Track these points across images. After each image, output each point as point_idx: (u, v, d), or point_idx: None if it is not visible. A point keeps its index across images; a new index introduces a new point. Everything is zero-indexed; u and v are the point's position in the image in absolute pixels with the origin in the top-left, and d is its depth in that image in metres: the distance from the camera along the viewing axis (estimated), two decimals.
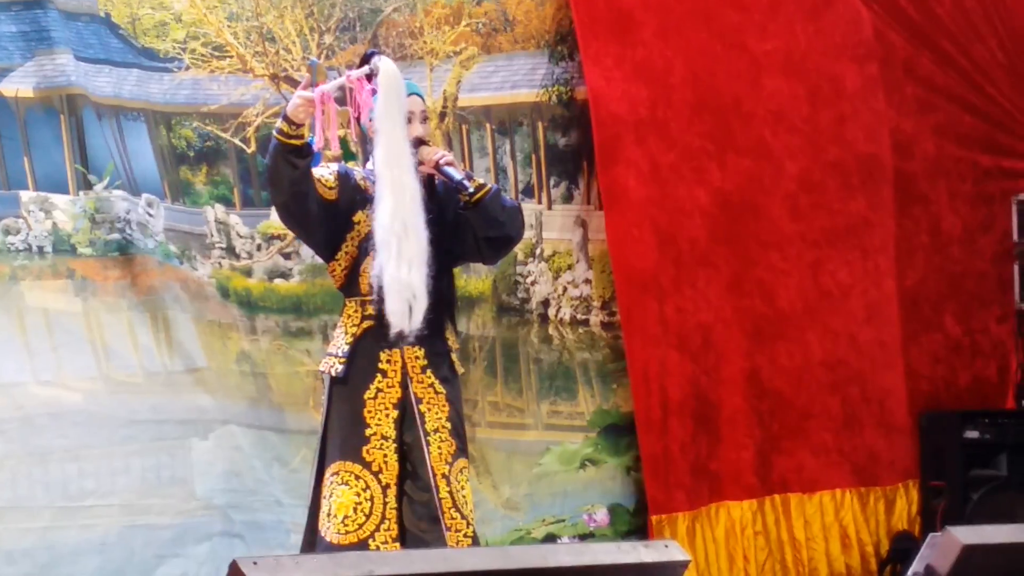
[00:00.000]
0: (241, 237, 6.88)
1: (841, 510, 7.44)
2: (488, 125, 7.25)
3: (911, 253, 7.70)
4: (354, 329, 4.96)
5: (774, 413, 7.35)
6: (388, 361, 4.94)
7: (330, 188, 4.91)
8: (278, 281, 6.92)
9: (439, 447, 4.95)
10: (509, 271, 7.21)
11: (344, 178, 4.96)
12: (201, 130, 6.83)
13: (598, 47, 7.12)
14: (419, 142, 4.95)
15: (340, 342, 4.99)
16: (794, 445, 7.38)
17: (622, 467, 7.32)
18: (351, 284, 4.98)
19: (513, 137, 7.35)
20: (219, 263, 6.82)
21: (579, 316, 7.32)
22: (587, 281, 7.35)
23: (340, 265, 5.00)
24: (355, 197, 4.94)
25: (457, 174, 4.88)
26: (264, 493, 6.77)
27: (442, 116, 7.11)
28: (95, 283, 6.58)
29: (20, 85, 6.52)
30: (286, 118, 4.74)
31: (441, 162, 4.88)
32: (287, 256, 6.90)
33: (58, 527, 6.39)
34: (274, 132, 4.78)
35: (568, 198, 7.36)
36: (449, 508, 4.91)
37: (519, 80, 7.30)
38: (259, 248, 6.88)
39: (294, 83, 6.84)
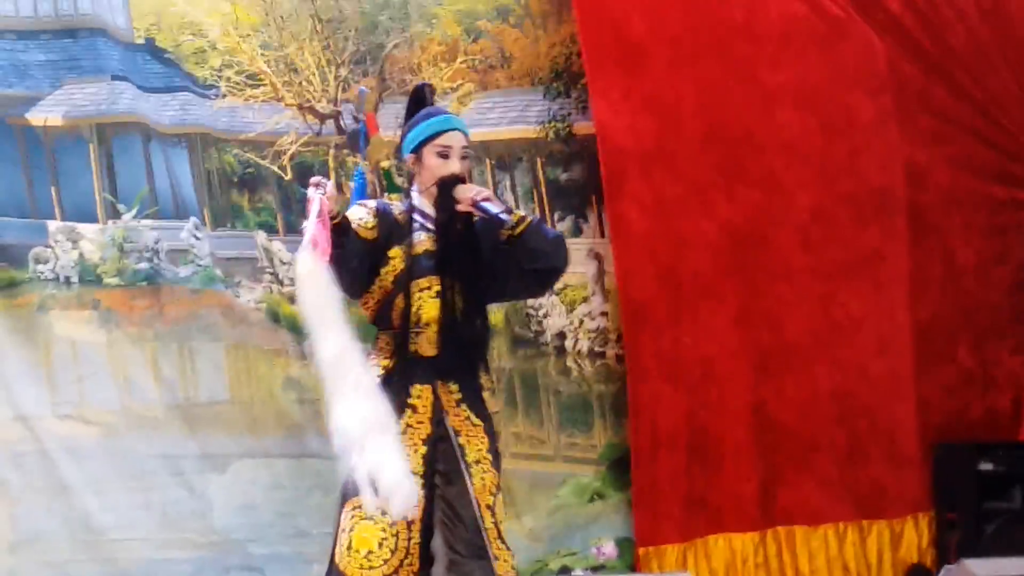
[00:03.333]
0: (284, 264, 7.12)
1: (844, 543, 7.60)
2: (488, 161, 7.51)
3: (925, 285, 7.83)
4: (385, 362, 4.98)
5: (779, 445, 7.53)
6: (419, 396, 4.98)
7: (370, 228, 4.94)
8: None
9: (482, 478, 4.99)
10: (519, 304, 7.45)
11: (383, 215, 4.99)
12: (241, 157, 7.10)
13: (605, 80, 7.35)
14: (456, 179, 4.98)
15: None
16: (799, 478, 7.56)
17: (626, 500, 7.51)
18: (383, 317, 5.00)
19: (513, 172, 7.60)
20: (270, 288, 7.06)
21: (596, 348, 7.56)
22: (604, 314, 7.61)
23: (373, 298, 5.01)
24: (392, 232, 4.96)
25: (495, 208, 4.89)
26: (283, 525, 6.99)
27: None
28: (120, 314, 6.81)
29: (49, 114, 6.78)
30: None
31: (478, 199, 4.90)
32: None
33: (78, 561, 6.61)
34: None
35: (576, 232, 7.60)
36: (495, 539, 4.97)
37: (516, 116, 7.54)
38: None
39: (318, 114, 7.13)
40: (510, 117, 7.54)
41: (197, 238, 6.96)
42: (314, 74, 7.19)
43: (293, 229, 7.13)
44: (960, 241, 7.97)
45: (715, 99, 7.53)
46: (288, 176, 7.18)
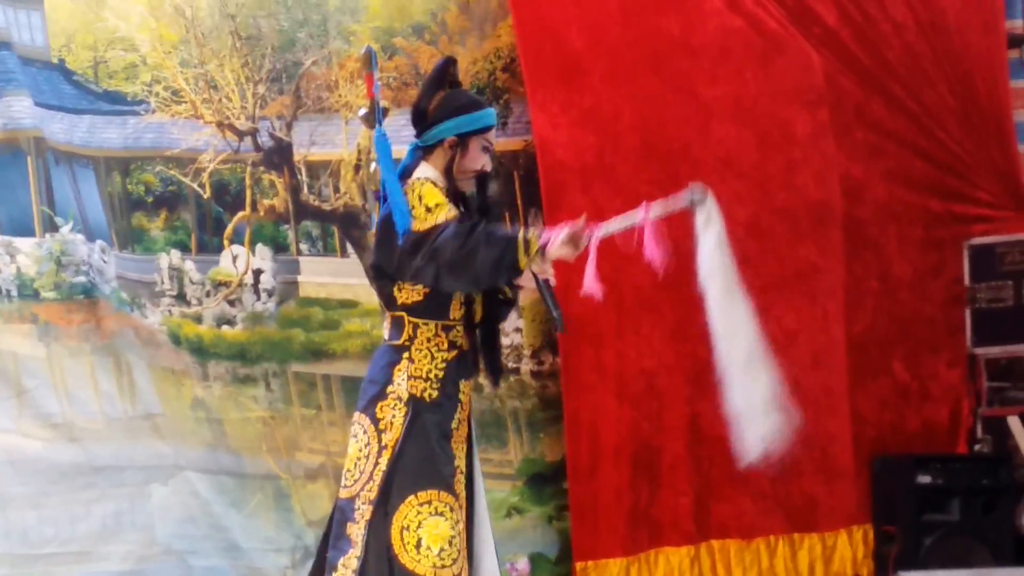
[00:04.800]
0: (193, 283, 7.20)
1: (774, 557, 7.73)
2: None
3: (860, 298, 7.97)
4: (443, 354, 4.89)
5: (713, 459, 7.60)
6: (463, 392, 4.94)
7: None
8: (225, 328, 7.26)
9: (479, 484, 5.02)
10: None
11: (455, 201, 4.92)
12: (164, 175, 7.19)
13: (544, 94, 7.48)
14: (488, 179, 4.97)
15: (428, 365, 4.90)
16: (732, 492, 7.66)
17: (544, 516, 7.66)
18: (436, 307, 4.89)
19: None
20: (169, 310, 7.15)
21: (510, 364, 7.66)
22: (518, 330, 7.72)
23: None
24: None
25: (557, 306, 4.92)
26: (220, 538, 7.12)
27: (356, 168, 7.48)
28: (58, 328, 6.91)
29: None
30: (543, 250, 4.65)
31: (552, 282, 4.91)
32: (231, 303, 7.25)
33: (18, 575, 6.71)
34: (522, 240, 4.63)
35: None
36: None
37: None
38: (208, 295, 7.22)
39: (236, 131, 7.22)
40: None
41: (104, 261, 7.07)
42: (233, 91, 7.31)
43: (206, 248, 7.28)
44: (896, 255, 8.11)
45: (652, 113, 7.67)
46: (207, 194, 7.29)
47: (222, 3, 7.31)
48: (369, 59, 5.08)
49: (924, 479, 7.62)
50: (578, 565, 7.44)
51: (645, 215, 4.72)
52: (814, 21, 7.97)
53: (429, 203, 4.81)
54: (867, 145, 8.07)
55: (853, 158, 8.02)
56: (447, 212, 4.78)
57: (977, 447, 8.06)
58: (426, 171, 4.99)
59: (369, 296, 7.60)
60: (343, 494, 4.95)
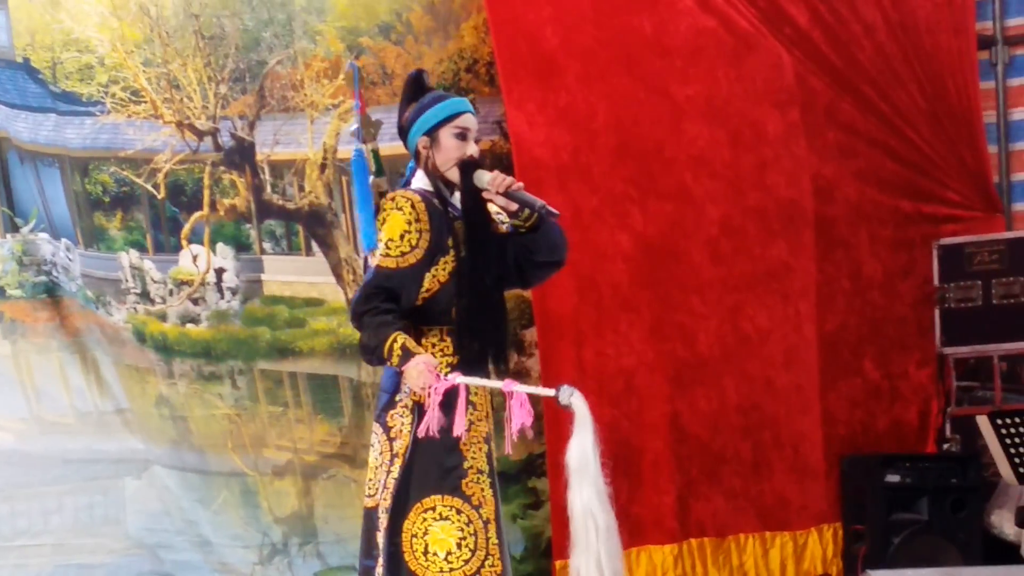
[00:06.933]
0: (155, 282, 7.29)
1: (744, 554, 7.88)
2: None
3: (831, 298, 8.13)
4: (448, 359, 4.94)
5: (692, 458, 7.77)
6: (476, 393, 4.98)
7: (414, 247, 4.90)
8: (189, 326, 7.35)
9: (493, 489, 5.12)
10: None
11: (431, 208, 4.95)
12: (118, 175, 7.25)
13: (521, 92, 7.57)
14: (475, 162, 5.01)
15: None
16: (710, 490, 7.81)
17: (508, 515, 7.63)
18: (437, 311, 4.97)
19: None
20: (134, 308, 7.23)
21: None
22: None
23: (425, 288, 4.96)
24: (442, 224, 4.95)
25: (535, 199, 4.95)
26: (191, 533, 7.22)
27: (322, 168, 7.58)
28: (24, 325, 6.97)
29: None
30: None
31: (513, 188, 4.94)
32: (195, 302, 7.34)
33: None
34: (388, 351, 4.79)
35: None
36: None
37: (396, 133, 7.80)
38: (171, 293, 7.31)
39: (196, 131, 7.31)
40: (391, 133, 7.65)
41: (70, 259, 7.15)
42: (195, 91, 7.39)
43: (162, 248, 7.37)
44: (867, 254, 8.28)
45: (626, 112, 7.79)
46: (161, 194, 7.36)
47: (186, 2, 7.37)
48: (352, 78, 5.16)
49: (893, 478, 7.74)
50: (557, 563, 7.50)
51: (508, 386, 4.87)
52: (785, 21, 8.14)
53: (385, 236, 4.93)
54: (838, 145, 8.23)
55: (824, 158, 8.18)
56: (383, 258, 4.90)
57: (946, 446, 8.21)
58: (417, 180, 5.11)
59: (335, 294, 7.70)
60: (368, 503, 5.04)
